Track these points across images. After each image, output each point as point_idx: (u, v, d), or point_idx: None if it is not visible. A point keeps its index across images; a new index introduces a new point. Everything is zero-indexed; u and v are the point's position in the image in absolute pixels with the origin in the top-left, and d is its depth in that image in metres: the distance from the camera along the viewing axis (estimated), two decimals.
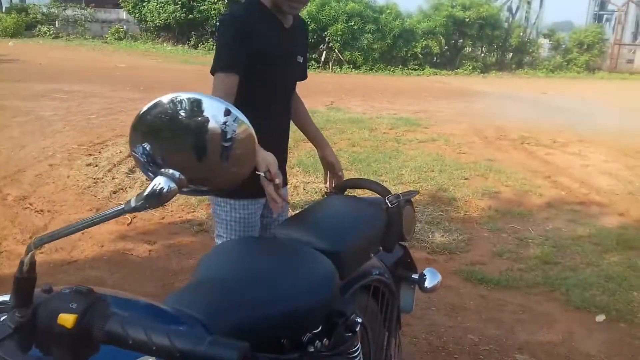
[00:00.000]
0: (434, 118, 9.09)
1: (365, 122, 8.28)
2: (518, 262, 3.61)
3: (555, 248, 3.83)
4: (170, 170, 0.86)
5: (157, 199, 0.84)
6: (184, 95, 0.86)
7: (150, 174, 0.88)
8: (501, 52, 22.37)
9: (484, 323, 2.87)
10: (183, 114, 0.86)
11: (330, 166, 2.13)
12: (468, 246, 3.87)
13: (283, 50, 1.91)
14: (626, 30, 24.03)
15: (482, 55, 22.38)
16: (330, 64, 18.55)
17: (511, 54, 22.42)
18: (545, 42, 23.30)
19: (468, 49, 21.81)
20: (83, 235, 3.79)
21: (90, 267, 3.35)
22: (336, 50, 18.49)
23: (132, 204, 0.85)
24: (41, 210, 4.26)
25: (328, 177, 2.14)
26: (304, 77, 2.11)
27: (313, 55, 18.31)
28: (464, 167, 5.88)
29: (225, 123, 0.86)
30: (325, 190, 2.07)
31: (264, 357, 1.15)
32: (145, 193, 0.84)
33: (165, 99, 0.86)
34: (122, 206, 0.85)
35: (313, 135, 2.20)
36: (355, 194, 2.17)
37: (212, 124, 0.85)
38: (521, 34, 22.21)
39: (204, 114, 0.86)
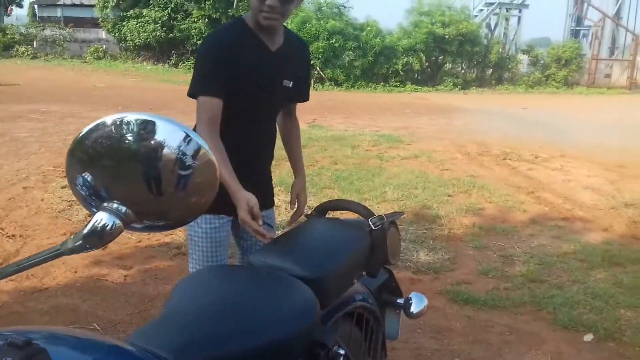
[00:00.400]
0: (416, 134, 9.09)
1: (348, 139, 8.25)
2: (504, 280, 3.54)
3: (540, 265, 3.77)
4: (115, 204, 0.75)
5: (98, 239, 0.74)
6: (132, 117, 0.75)
7: (94, 209, 0.77)
8: (481, 68, 22.65)
9: (471, 345, 2.79)
10: (131, 139, 0.74)
11: (295, 197, 2.08)
12: (453, 265, 3.80)
13: (265, 73, 1.83)
14: (603, 46, 24.51)
15: (462, 71, 22.65)
16: (312, 82, 18.58)
17: (491, 70, 22.71)
18: (524, 58, 23.66)
19: (448, 66, 22.05)
20: (55, 261, 3.64)
21: (63, 294, 3.21)
22: (317, 67, 18.54)
23: (69, 244, 0.74)
24: (13, 235, 4.11)
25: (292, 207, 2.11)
26: (299, 98, 2.05)
27: None
28: (447, 184, 5.84)
29: (181, 149, 0.75)
30: (306, 213, 1.98)
31: None
32: (84, 232, 0.74)
33: (108, 120, 0.75)
34: (58, 247, 0.75)
35: (294, 161, 2.13)
36: (337, 216, 2.09)
37: (166, 151, 0.74)
38: (500, 50, 22.52)
39: (157, 138, 0.74)
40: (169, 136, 0.75)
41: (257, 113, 1.88)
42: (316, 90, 18.08)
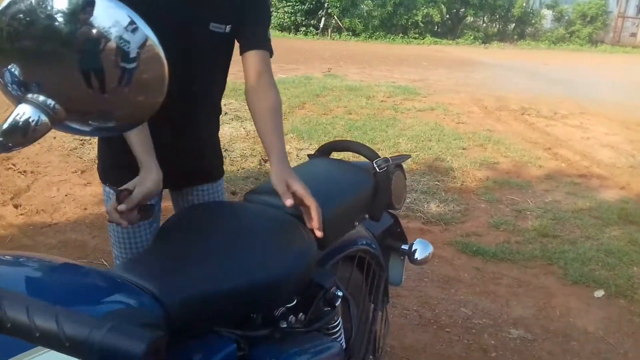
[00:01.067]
0: (433, 87, 8.90)
1: (363, 89, 8.10)
2: (515, 234, 3.49)
3: (554, 221, 3.71)
4: (41, 97, 0.63)
5: (21, 135, 0.63)
6: None
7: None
8: (503, 23, 22.04)
9: (478, 296, 2.77)
10: (61, 18, 0.61)
11: (284, 188, 1.27)
12: (464, 217, 3.75)
13: (179, 14, 1.34)
14: (630, 3, 23.62)
15: (484, 25, 22.05)
16: (329, 31, 18.20)
17: (513, 24, 22.09)
18: (548, 13, 22.92)
19: (470, 19, 21.46)
20: (66, 197, 3.67)
21: (72, 229, 3.23)
22: (335, 16, 18.11)
23: None
24: (24, 171, 4.12)
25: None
26: (250, 45, 1.42)
27: (311, 22, 17.96)
28: (462, 137, 5.73)
29: (124, 37, 0.62)
30: (309, 153, 1.86)
31: (229, 333, 1.03)
32: (4, 127, 0.63)
33: None
34: None
35: (266, 140, 1.38)
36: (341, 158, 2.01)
37: (106, 37, 0.62)
38: (524, 4, 21.80)
39: (95, 20, 0.61)
40: (110, 20, 0.62)
41: (175, 66, 1.41)
42: (333, 39, 17.74)
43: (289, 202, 1.21)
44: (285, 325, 1.14)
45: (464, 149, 5.35)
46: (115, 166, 1.47)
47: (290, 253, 1.16)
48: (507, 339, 2.43)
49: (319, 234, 1.22)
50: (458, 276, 2.95)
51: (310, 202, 1.22)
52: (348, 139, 5.31)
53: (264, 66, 1.41)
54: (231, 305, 1.03)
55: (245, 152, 4.78)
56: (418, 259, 1.72)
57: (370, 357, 1.64)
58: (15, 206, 3.56)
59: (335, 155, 1.79)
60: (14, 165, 4.21)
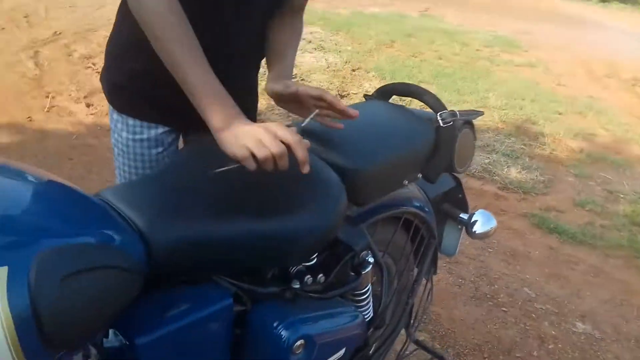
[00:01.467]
0: (537, 42, 8.17)
1: (459, 35, 7.55)
2: (602, 217, 3.13)
3: None
4: None
5: None
6: None
7: None
8: None
9: (547, 279, 2.50)
10: None
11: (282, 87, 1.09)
12: (547, 189, 3.40)
13: None
14: None
15: None
16: None
17: None
18: None
19: None
20: None
21: None
22: None
23: None
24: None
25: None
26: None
27: None
28: (560, 101, 5.22)
29: None
30: (366, 94, 1.55)
31: (229, 284, 0.88)
32: None
33: None
34: None
35: (275, 56, 1.18)
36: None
37: None
38: None
39: None
40: None
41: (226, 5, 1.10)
42: None
43: (293, 88, 1.03)
44: (298, 286, 0.97)
45: (560, 113, 4.87)
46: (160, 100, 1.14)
47: (312, 202, 0.96)
48: (570, 332, 2.17)
49: (353, 112, 1.03)
50: (527, 253, 2.68)
51: (318, 91, 1.03)
52: (435, 88, 4.96)
53: (303, 8, 1.27)
54: (231, 255, 0.87)
55: (322, 84, 4.56)
56: (477, 232, 1.48)
57: (403, 330, 1.46)
58: (88, 105, 3.58)
59: (396, 100, 1.54)
60: (94, 64, 4.23)
